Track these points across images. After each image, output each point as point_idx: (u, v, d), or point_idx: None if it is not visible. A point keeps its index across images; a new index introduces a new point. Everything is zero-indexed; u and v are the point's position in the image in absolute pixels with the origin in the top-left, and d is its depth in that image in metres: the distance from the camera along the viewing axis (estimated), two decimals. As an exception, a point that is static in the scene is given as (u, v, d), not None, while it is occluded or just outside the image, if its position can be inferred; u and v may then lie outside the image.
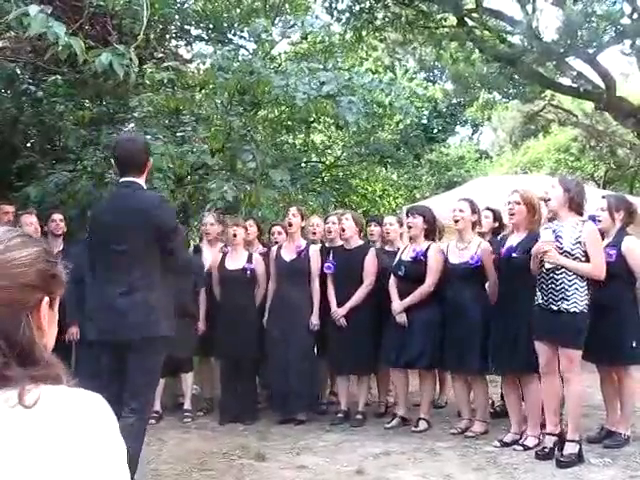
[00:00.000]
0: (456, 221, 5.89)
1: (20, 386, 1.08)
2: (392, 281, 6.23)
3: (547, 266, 5.03)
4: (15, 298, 1.13)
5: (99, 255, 4.21)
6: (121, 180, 4.26)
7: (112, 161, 4.56)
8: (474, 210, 5.92)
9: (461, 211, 5.86)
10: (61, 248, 6.35)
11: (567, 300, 4.97)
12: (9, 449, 1.04)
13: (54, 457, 1.05)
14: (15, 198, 7.41)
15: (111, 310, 4.05)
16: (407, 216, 6.31)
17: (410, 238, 6.28)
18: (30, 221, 6.29)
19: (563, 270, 4.99)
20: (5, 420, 1.06)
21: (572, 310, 4.96)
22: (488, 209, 6.49)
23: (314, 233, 7.00)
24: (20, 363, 1.11)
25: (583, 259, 4.97)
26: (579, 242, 4.97)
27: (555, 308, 5.01)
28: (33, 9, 3.85)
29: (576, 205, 5.05)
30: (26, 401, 1.07)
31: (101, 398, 1.16)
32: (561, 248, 5.00)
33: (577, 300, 4.95)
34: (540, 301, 5.09)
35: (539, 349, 5.12)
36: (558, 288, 5.01)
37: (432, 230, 6.22)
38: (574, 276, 4.97)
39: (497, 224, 6.49)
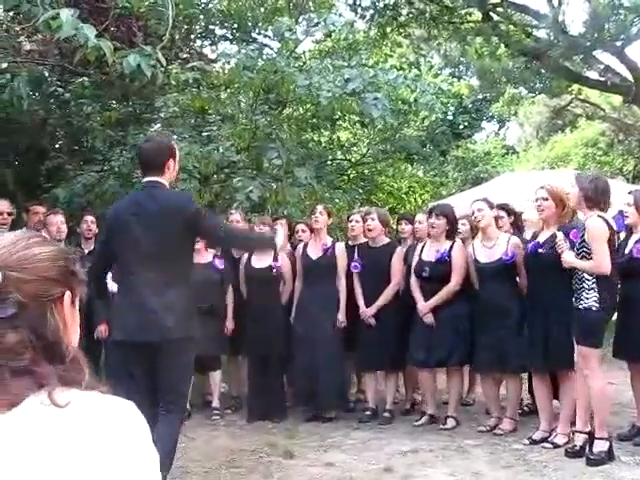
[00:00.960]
0: (478, 221, 5.88)
1: (50, 386, 1.10)
2: (414, 282, 6.21)
3: (564, 265, 5.01)
4: (40, 290, 1.16)
5: (125, 255, 4.14)
6: (144, 180, 4.24)
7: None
8: (491, 207, 5.90)
9: (480, 210, 5.84)
10: (92, 248, 6.38)
11: (578, 298, 4.97)
12: (42, 449, 1.05)
13: (87, 462, 1.06)
14: (44, 199, 7.50)
15: (142, 310, 3.99)
16: (429, 215, 6.28)
17: (430, 237, 6.24)
18: (55, 221, 6.31)
19: (575, 268, 4.99)
20: (39, 423, 1.08)
21: (581, 307, 4.94)
22: (500, 206, 6.40)
23: (353, 230, 6.86)
24: (47, 358, 1.14)
25: (589, 256, 4.92)
26: (584, 240, 4.93)
27: (574, 306, 5.01)
28: (64, 12, 3.89)
29: (592, 202, 4.98)
30: (57, 401, 1.09)
31: (134, 405, 1.17)
32: (573, 247, 4.98)
33: (585, 297, 4.92)
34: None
35: (575, 346, 5.10)
36: (572, 287, 5.03)
37: (454, 230, 6.22)
38: (582, 274, 4.95)
39: (513, 218, 6.43)
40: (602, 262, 4.88)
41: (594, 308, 4.91)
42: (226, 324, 6.69)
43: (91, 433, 1.08)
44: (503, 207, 6.41)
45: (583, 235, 4.95)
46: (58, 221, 6.33)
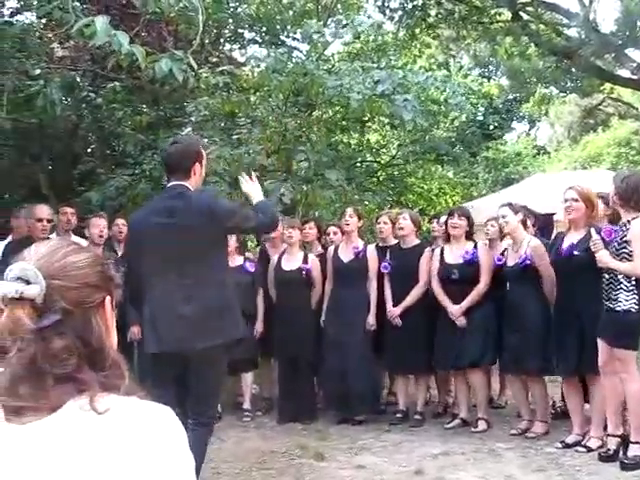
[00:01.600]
0: (503, 229, 5.91)
1: (92, 392, 1.12)
2: (437, 285, 6.19)
3: (599, 265, 4.95)
4: (83, 297, 1.18)
5: (153, 263, 3.98)
6: (169, 185, 4.11)
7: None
8: (516, 211, 5.85)
9: (504, 217, 5.83)
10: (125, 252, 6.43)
11: (614, 299, 4.88)
12: (81, 454, 1.07)
13: (124, 467, 1.08)
14: (77, 203, 7.59)
15: (174, 319, 3.87)
16: (451, 217, 6.26)
17: (452, 238, 6.22)
18: (98, 223, 6.32)
19: (610, 269, 4.90)
20: (79, 427, 1.09)
21: (618, 309, 4.85)
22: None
23: (381, 232, 6.89)
24: (90, 364, 1.16)
25: (630, 258, 4.83)
26: (625, 241, 4.84)
27: (606, 307, 4.93)
28: (99, 20, 3.93)
29: (624, 200, 4.90)
30: (98, 407, 1.11)
31: (171, 411, 1.18)
32: (612, 248, 4.91)
33: (622, 299, 4.84)
34: (604, 300, 5.01)
35: (600, 347, 5.02)
36: (607, 287, 4.94)
37: (472, 231, 6.27)
38: (620, 275, 4.86)
39: (533, 220, 6.36)
40: None
41: (633, 310, 4.83)
42: (256, 326, 6.71)
43: (129, 439, 1.10)
44: (527, 210, 6.35)
45: (625, 236, 4.87)
46: (101, 224, 6.38)
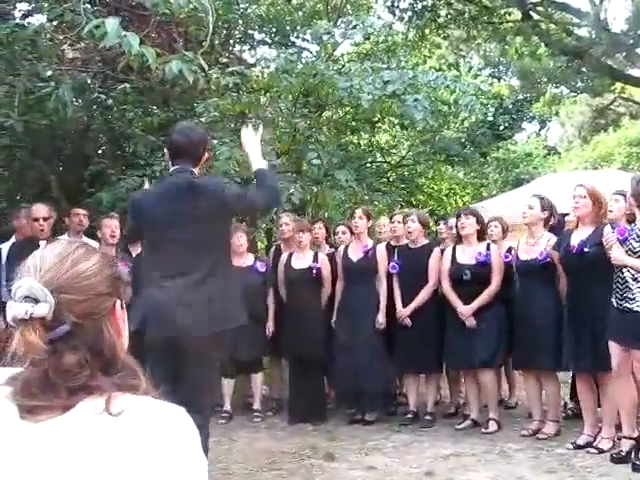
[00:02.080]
0: (524, 217, 5.84)
1: (107, 394, 1.12)
2: (448, 286, 6.18)
3: (613, 263, 4.91)
4: (93, 308, 1.17)
5: (154, 246, 3.94)
6: (175, 168, 3.98)
7: (165, 149, 4.18)
8: (544, 207, 5.82)
9: (530, 207, 5.80)
10: (139, 251, 6.42)
11: (632, 299, 4.82)
12: (94, 453, 1.07)
13: (137, 468, 1.08)
14: (88, 204, 7.62)
15: (176, 305, 3.75)
16: (458, 217, 6.26)
17: (462, 238, 6.21)
18: (110, 224, 6.29)
19: (628, 269, 4.85)
20: (91, 427, 1.09)
21: (636, 309, 4.80)
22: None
23: (380, 233, 7.09)
24: (104, 371, 1.15)
25: None
26: None
27: (622, 307, 4.88)
28: (109, 22, 3.94)
29: (639, 202, 4.88)
30: (112, 409, 1.10)
31: (184, 411, 1.17)
32: (629, 247, 4.87)
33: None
34: (613, 299, 4.97)
35: (612, 349, 4.99)
36: (623, 287, 4.88)
37: (484, 231, 6.25)
38: (637, 274, 4.82)
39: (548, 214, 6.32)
40: None
41: None
42: (267, 325, 6.72)
43: (141, 438, 1.09)
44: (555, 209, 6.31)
45: None
46: (113, 225, 6.37)
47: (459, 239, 6.28)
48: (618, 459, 4.97)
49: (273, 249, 7.42)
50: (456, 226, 6.30)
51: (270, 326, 6.73)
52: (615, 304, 4.93)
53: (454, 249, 6.25)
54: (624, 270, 4.87)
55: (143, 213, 4.04)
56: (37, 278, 1.14)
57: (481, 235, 6.21)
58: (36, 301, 1.12)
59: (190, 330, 3.74)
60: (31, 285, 1.13)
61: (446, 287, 6.20)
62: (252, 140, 4.23)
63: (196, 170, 3.98)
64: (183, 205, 3.83)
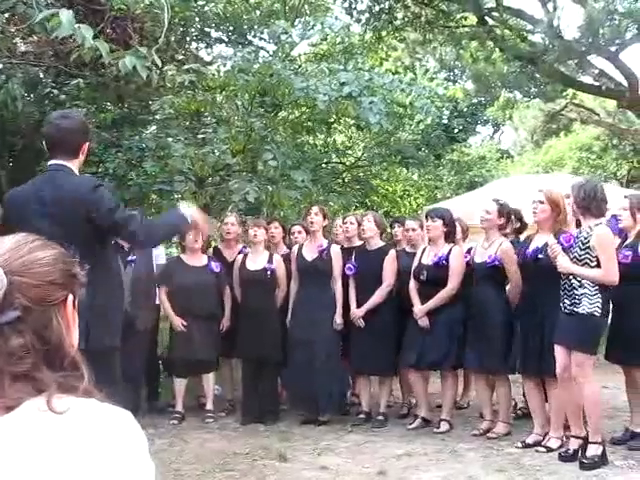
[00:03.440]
0: (481, 221, 5.89)
1: (49, 392, 1.10)
2: (412, 284, 6.22)
3: (559, 270, 5.00)
4: (44, 295, 1.16)
5: None
6: (50, 163, 3.65)
7: (43, 142, 3.77)
8: (501, 212, 5.87)
9: (488, 212, 5.84)
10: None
11: (578, 303, 4.91)
12: (37, 455, 1.05)
13: (82, 470, 1.05)
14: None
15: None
16: (426, 219, 6.30)
17: (429, 240, 6.27)
18: None
19: (574, 275, 4.96)
20: (36, 427, 1.07)
21: (581, 312, 4.89)
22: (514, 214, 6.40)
23: (336, 234, 7.11)
24: (48, 364, 1.13)
25: (593, 264, 4.88)
26: (588, 247, 4.89)
27: (568, 311, 4.97)
28: (64, 13, 3.86)
29: (584, 209, 4.97)
30: (56, 408, 1.08)
31: (131, 415, 1.16)
32: (573, 254, 4.96)
33: (586, 303, 4.88)
34: (561, 304, 5.06)
35: (557, 352, 5.07)
36: (570, 292, 4.97)
37: (452, 232, 6.21)
38: (583, 280, 4.91)
39: (519, 224, 6.43)
40: (613, 271, 4.87)
41: (597, 314, 4.89)
42: (222, 322, 6.71)
43: (87, 441, 1.07)
44: (514, 213, 6.37)
45: (588, 241, 4.92)
46: None
47: (428, 240, 6.31)
48: (566, 458, 5.06)
49: (212, 250, 7.34)
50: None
51: (225, 322, 6.71)
52: (563, 309, 5.01)
53: (424, 249, 6.28)
54: (570, 277, 4.97)
55: (9, 218, 3.66)
56: None
57: (449, 237, 6.18)
58: None
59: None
60: None
61: (411, 286, 6.23)
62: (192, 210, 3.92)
63: (75, 165, 3.62)
64: (52, 208, 3.48)
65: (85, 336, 3.32)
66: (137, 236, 3.68)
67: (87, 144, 3.67)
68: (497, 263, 5.71)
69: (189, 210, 3.84)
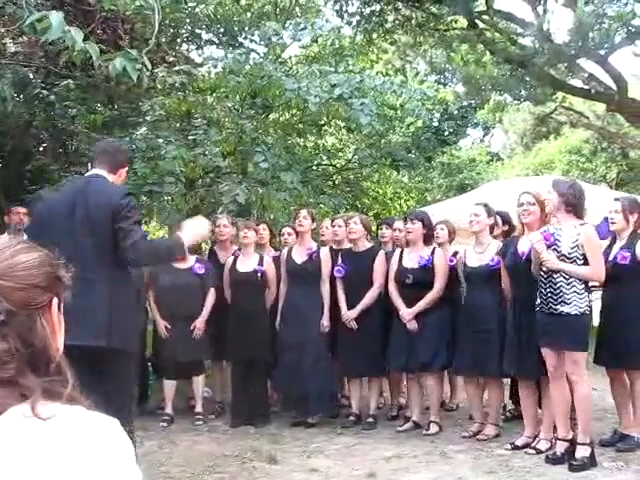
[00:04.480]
0: (472, 225, 5.89)
1: (34, 398, 1.09)
2: (393, 289, 6.22)
3: (544, 269, 5.01)
4: (28, 298, 1.14)
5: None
6: (90, 173, 3.97)
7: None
8: (490, 214, 5.90)
9: (477, 215, 5.85)
10: None
11: (567, 303, 4.93)
12: (22, 461, 1.03)
13: (67, 478, 1.05)
14: (28, 200, 7.45)
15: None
16: (405, 222, 6.32)
17: (408, 243, 6.27)
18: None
19: (560, 273, 4.97)
20: (21, 432, 1.06)
21: (573, 313, 4.92)
22: (497, 213, 6.44)
23: (323, 235, 7.09)
24: (33, 369, 1.12)
25: (580, 262, 4.93)
26: (577, 245, 4.93)
27: (556, 312, 4.98)
28: (53, 15, 3.85)
29: (572, 207, 5.01)
30: (40, 414, 1.07)
31: (117, 423, 1.15)
32: (559, 252, 4.98)
33: (577, 303, 4.91)
34: (540, 305, 5.07)
35: (545, 354, 5.08)
36: (557, 291, 4.98)
37: (430, 235, 6.24)
38: (572, 279, 4.94)
39: (507, 227, 6.46)
40: (601, 269, 4.94)
41: (587, 312, 4.94)
42: (196, 323, 6.56)
43: (73, 448, 1.06)
44: (502, 215, 6.40)
45: (577, 240, 4.94)
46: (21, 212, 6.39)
47: (407, 242, 6.32)
48: (555, 460, 5.07)
49: (208, 251, 7.33)
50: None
51: (199, 324, 6.56)
52: (546, 310, 5.02)
53: (402, 252, 6.29)
54: (555, 275, 4.98)
55: (44, 220, 3.88)
56: None
57: (428, 239, 6.23)
58: None
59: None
60: None
61: (391, 290, 6.23)
62: (194, 225, 4.06)
63: (111, 179, 3.93)
64: (80, 211, 3.74)
65: (107, 335, 3.57)
66: (131, 252, 3.70)
67: (126, 169, 4.03)
68: (499, 267, 5.70)
69: (189, 234, 3.95)
